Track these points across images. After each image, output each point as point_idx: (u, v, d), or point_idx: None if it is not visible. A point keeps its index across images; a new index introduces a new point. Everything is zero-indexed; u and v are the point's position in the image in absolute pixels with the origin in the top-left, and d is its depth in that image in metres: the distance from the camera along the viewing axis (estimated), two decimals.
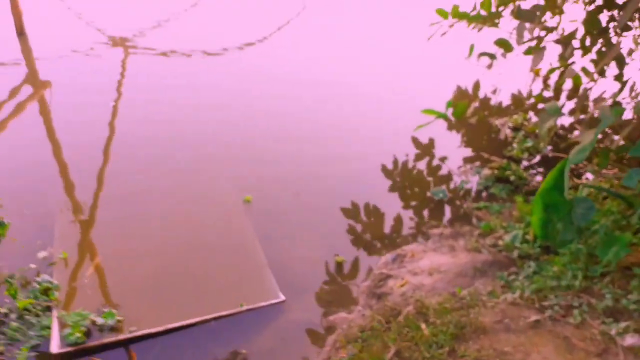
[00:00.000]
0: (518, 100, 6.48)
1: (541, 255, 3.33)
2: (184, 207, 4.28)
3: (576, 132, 5.16)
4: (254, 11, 9.58)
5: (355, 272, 3.80)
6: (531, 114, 6.01)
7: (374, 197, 4.56)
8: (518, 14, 4.06)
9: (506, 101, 6.56)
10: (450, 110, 4.76)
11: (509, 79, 6.71)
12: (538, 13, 4.01)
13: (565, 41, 4.34)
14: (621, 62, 4.03)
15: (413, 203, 4.56)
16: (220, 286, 3.58)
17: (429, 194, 4.60)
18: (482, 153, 5.07)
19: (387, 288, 3.47)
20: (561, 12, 4.37)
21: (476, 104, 5.74)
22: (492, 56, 4.70)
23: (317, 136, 5.60)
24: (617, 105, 4.49)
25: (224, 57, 7.54)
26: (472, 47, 4.85)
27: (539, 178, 4.58)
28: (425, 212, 4.42)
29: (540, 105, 6.04)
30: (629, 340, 2.28)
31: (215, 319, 3.29)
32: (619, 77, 4.17)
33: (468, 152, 5.41)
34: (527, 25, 4.29)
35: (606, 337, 2.34)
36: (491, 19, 5.02)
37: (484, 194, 4.55)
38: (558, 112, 3.94)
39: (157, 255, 3.75)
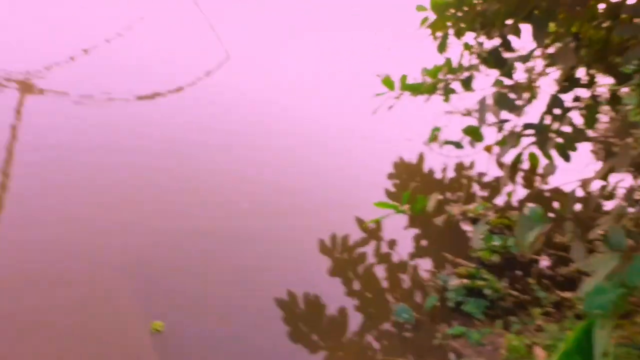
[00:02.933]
0: (464, 176, 5.87)
1: None
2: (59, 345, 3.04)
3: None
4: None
5: None
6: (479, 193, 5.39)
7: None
8: (498, 100, 3.35)
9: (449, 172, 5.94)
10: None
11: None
12: (521, 102, 3.33)
13: (541, 129, 3.70)
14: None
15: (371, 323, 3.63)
16: None
17: (392, 317, 3.68)
18: (446, 254, 4.29)
19: None
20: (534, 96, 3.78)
21: (439, 196, 5.02)
22: (459, 145, 4.00)
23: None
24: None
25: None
26: (433, 133, 4.15)
27: (515, 292, 3.85)
28: (387, 341, 3.50)
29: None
30: None
31: None
32: (604, 176, 3.57)
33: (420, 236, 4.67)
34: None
35: None
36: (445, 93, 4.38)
37: (455, 312, 3.72)
38: (543, 220, 3.20)
39: None
